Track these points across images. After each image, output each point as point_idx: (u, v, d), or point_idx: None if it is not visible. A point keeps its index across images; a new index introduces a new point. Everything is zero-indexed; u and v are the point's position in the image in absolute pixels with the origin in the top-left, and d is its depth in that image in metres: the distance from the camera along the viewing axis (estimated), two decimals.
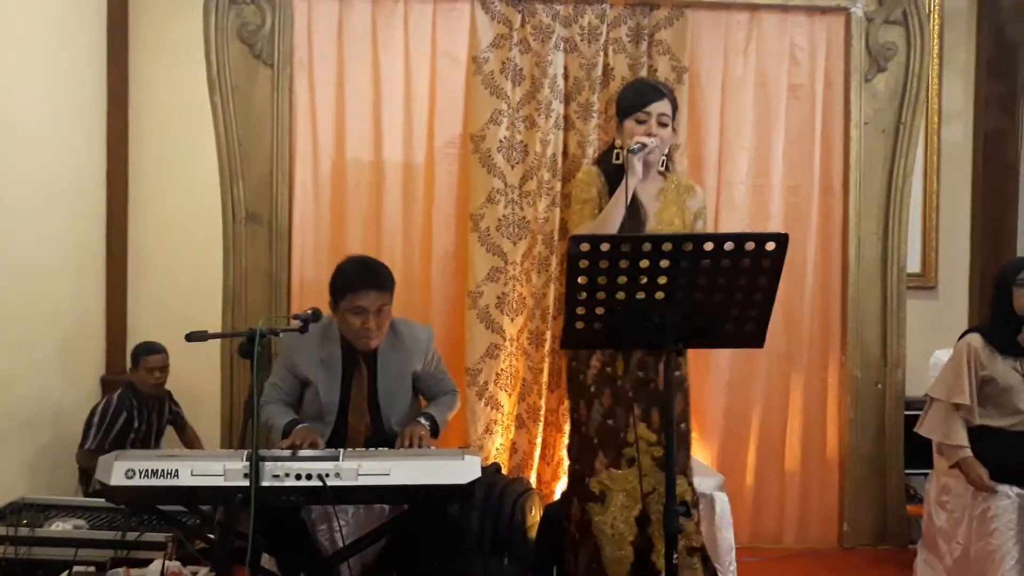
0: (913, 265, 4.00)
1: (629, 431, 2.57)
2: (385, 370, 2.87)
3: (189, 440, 3.77)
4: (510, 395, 3.53)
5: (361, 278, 2.75)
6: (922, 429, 3.11)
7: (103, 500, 2.97)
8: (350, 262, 2.85)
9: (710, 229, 3.56)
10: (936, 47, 4.11)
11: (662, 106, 2.61)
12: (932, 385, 3.15)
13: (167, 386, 3.69)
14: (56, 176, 3.67)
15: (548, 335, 3.54)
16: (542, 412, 3.56)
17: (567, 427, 3.56)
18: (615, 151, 2.66)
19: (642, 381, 2.60)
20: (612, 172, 2.63)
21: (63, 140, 3.73)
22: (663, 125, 2.61)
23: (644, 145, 2.52)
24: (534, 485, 3.43)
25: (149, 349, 3.56)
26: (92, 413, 3.52)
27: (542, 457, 3.60)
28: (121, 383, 3.65)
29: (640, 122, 2.61)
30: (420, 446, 2.72)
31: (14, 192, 3.38)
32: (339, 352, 2.84)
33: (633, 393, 2.59)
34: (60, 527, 2.91)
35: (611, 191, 2.60)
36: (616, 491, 2.58)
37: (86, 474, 3.47)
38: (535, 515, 3.12)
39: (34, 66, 3.52)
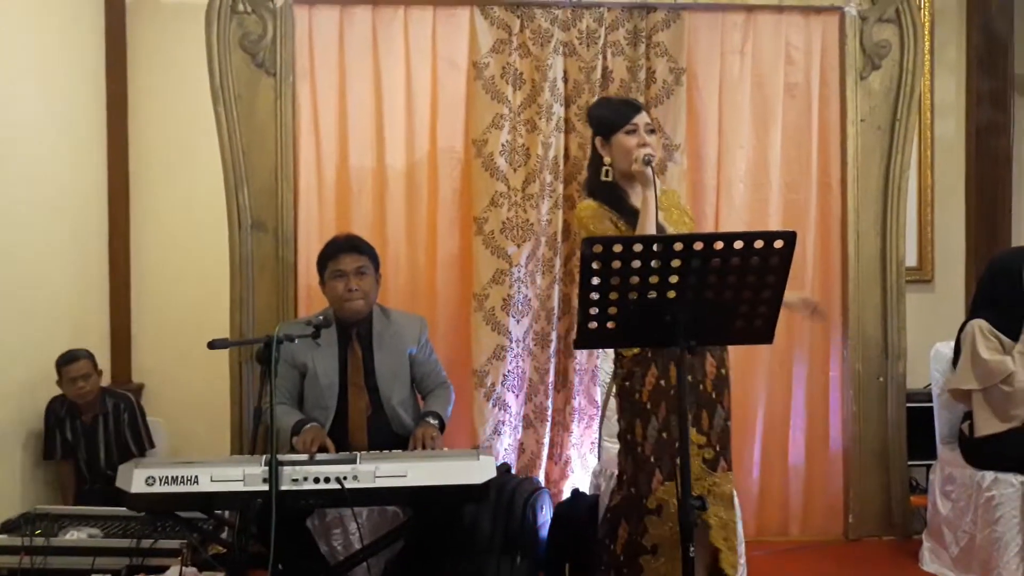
0: (910, 259, 4.04)
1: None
2: (380, 349, 2.97)
3: None
4: (517, 396, 3.57)
5: (338, 245, 3.00)
6: (984, 426, 3.07)
7: (116, 508, 3.00)
8: (331, 238, 3.07)
9: (710, 229, 3.62)
10: (928, 44, 4.17)
11: (645, 116, 2.63)
12: (958, 378, 3.16)
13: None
14: (57, 188, 3.69)
15: (553, 336, 3.58)
16: (549, 412, 3.59)
17: (574, 426, 3.63)
18: (604, 169, 2.62)
19: (691, 385, 2.51)
20: (607, 195, 2.61)
21: (63, 152, 3.75)
22: (651, 132, 2.63)
23: (653, 156, 2.52)
24: (543, 485, 3.46)
25: (68, 358, 3.40)
26: None
27: (550, 457, 3.63)
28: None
29: (630, 133, 2.60)
30: (433, 447, 2.77)
31: (15, 204, 3.39)
32: (334, 334, 2.92)
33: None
34: (75, 536, 2.93)
35: (621, 214, 2.58)
36: (671, 500, 2.48)
37: None
38: (546, 514, 3.16)
39: (32, 78, 3.53)
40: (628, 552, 2.61)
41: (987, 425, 3.05)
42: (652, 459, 2.54)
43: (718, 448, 2.56)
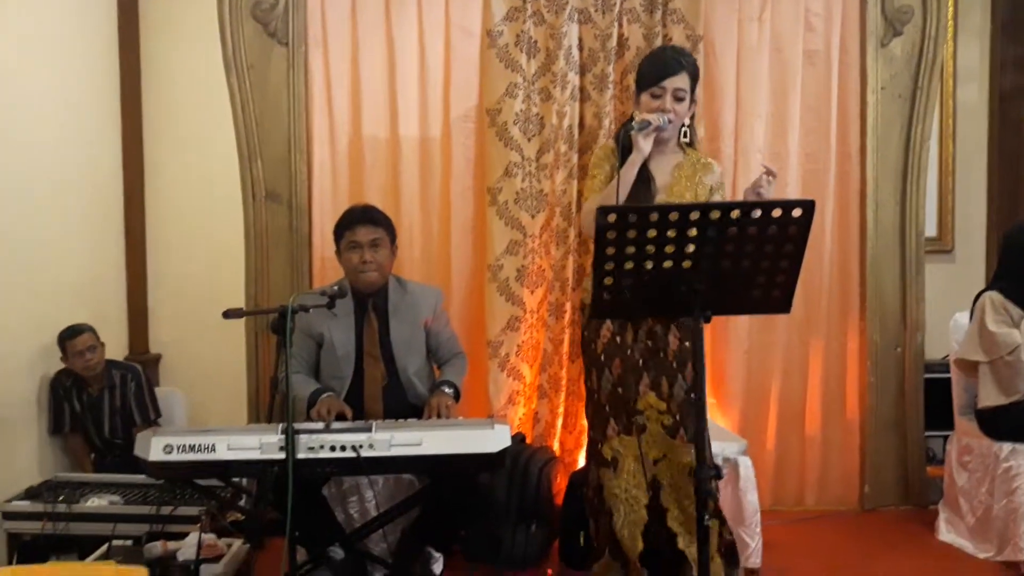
0: (930, 229, 4.00)
1: (640, 399, 2.61)
2: (396, 319, 2.97)
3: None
4: (531, 366, 3.57)
5: (354, 216, 2.98)
6: (987, 397, 3.07)
7: (136, 476, 3.03)
8: (347, 209, 3.06)
9: (727, 198, 3.58)
10: (951, 9, 4.08)
11: (679, 80, 2.60)
12: (964, 349, 3.14)
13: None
14: (72, 162, 3.70)
15: (568, 306, 3.56)
16: (564, 382, 3.59)
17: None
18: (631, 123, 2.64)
19: (651, 350, 2.62)
20: (628, 146, 2.60)
21: (77, 126, 3.75)
22: (679, 100, 2.60)
23: (648, 123, 2.52)
24: (557, 454, 3.47)
25: (71, 332, 3.40)
26: None
27: (564, 426, 3.63)
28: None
29: (655, 96, 2.60)
30: (448, 416, 2.78)
31: (31, 180, 3.40)
32: (350, 304, 2.93)
33: (643, 362, 2.62)
34: (96, 503, 2.97)
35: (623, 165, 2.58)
36: (627, 456, 2.61)
37: None
38: (560, 483, 3.18)
39: (46, 53, 3.53)
40: (598, 493, 2.69)
41: (990, 397, 3.03)
42: (607, 408, 2.65)
43: (678, 417, 2.59)
